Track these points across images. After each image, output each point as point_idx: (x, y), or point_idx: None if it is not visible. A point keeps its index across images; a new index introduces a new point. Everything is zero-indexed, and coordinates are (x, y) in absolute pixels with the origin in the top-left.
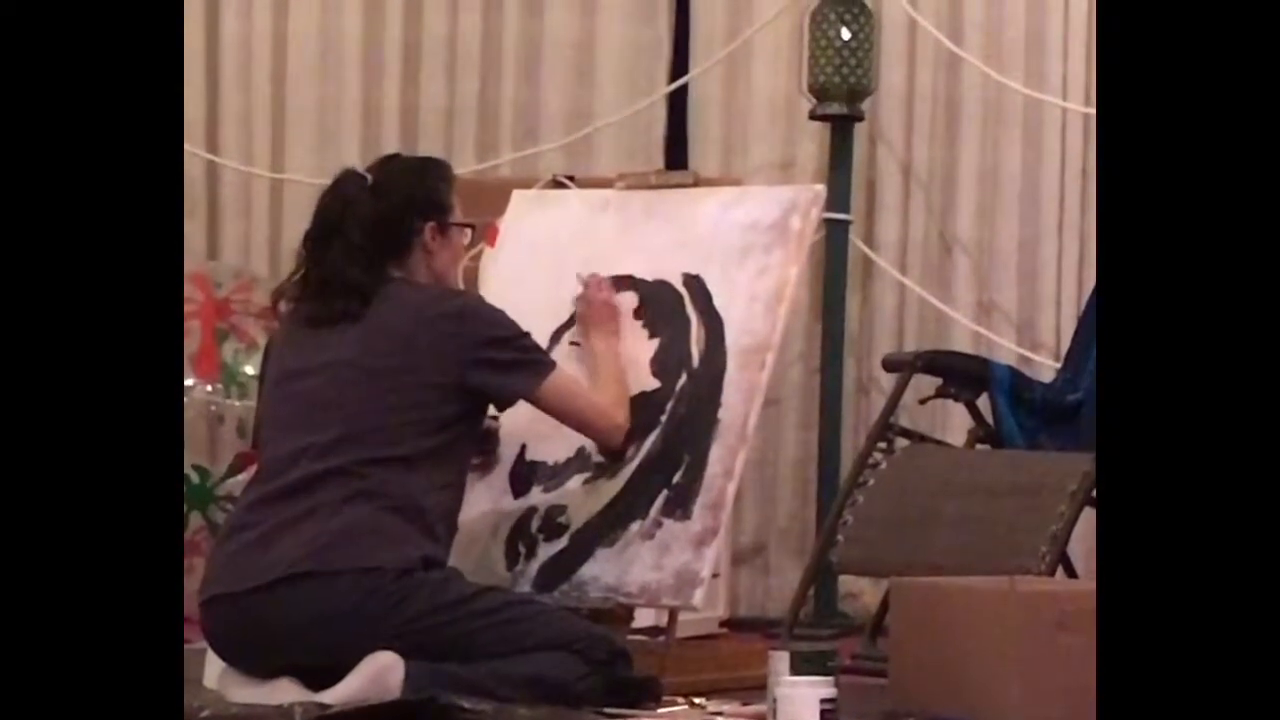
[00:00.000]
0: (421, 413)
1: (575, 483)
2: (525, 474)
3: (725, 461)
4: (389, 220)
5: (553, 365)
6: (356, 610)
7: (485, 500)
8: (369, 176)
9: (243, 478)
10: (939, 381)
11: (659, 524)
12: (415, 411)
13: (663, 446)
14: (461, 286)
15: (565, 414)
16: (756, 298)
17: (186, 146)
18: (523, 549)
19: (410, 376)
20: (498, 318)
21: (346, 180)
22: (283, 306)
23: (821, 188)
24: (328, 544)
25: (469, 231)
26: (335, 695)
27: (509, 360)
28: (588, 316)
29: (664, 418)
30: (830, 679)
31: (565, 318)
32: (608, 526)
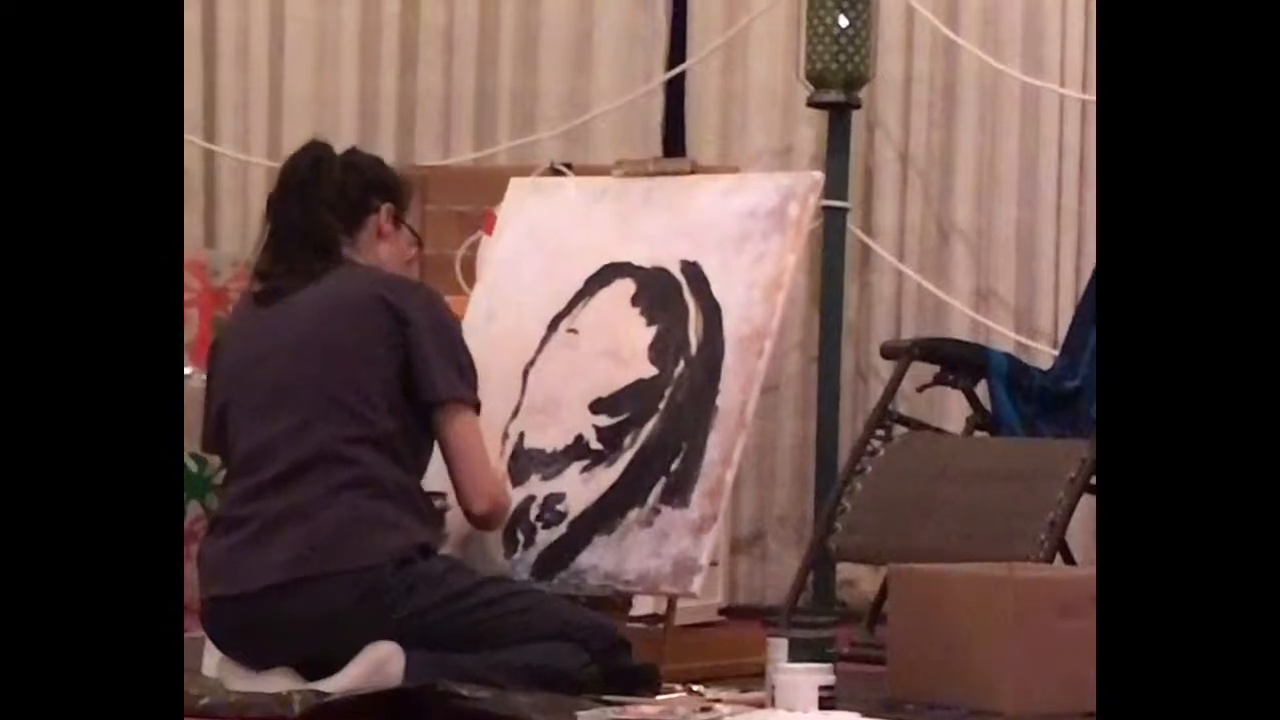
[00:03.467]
0: (385, 388)
1: (573, 470)
2: (523, 462)
3: (723, 449)
4: (353, 189)
5: (477, 402)
6: (357, 609)
7: None
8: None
9: None
10: (937, 369)
11: (657, 511)
12: (379, 385)
13: (661, 434)
14: None
15: (465, 453)
16: (754, 285)
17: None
18: (521, 537)
19: (365, 351)
20: (451, 315)
21: (317, 145)
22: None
23: (819, 175)
24: (322, 544)
25: (415, 248)
26: (335, 684)
27: (450, 359)
28: None
29: (662, 405)
30: (829, 666)
31: (562, 305)
32: (606, 514)
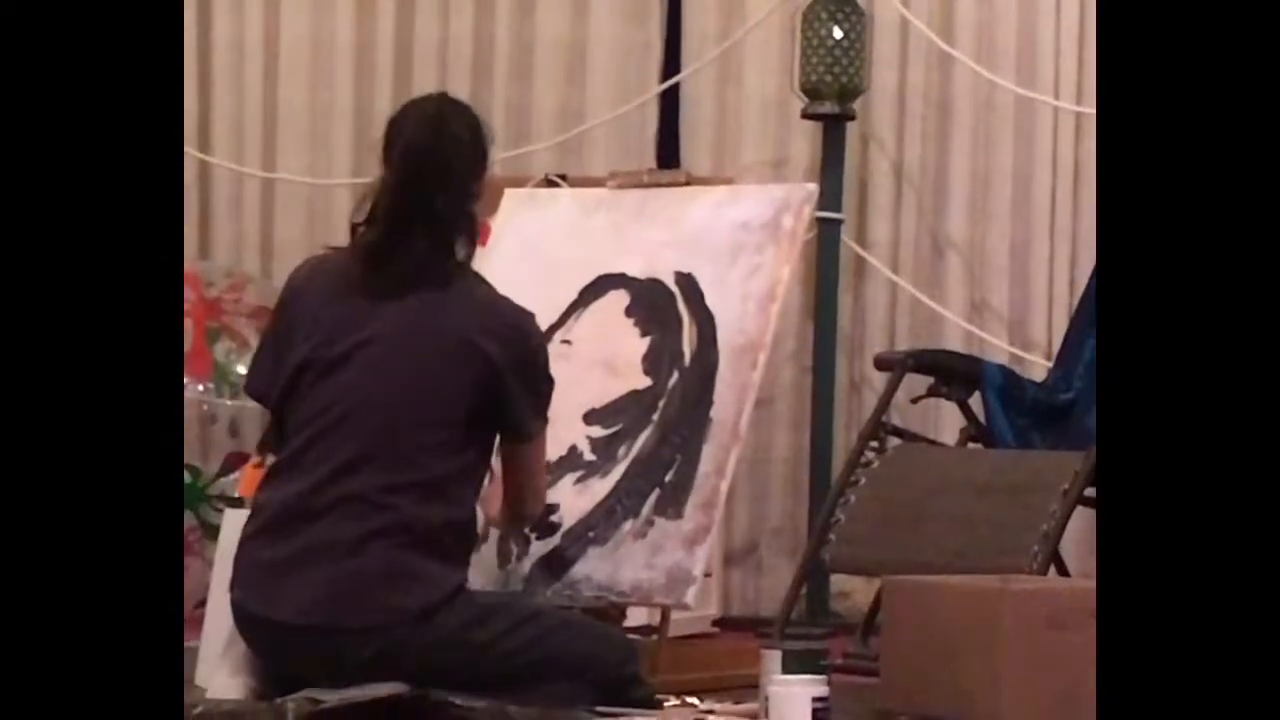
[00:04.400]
0: (451, 432)
1: (567, 481)
2: None
3: (717, 460)
4: (477, 161)
5: (545, 427)
6: (371, 662)
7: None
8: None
9: (235, 476)
10: (931, 380)
11: (651, 523)
12: (446, 430)
13: (655, 445)
14: None
15: (526, 475)
16: (749, 297)
17: None
18: (515, 547)
19: (449, 392)
20: (540, 346)
21: (455, 116)
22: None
23: (813, 186)
24: (341, 594)
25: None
26: (329, 692)
27: (535, 394)
28: None
29: (656, 416)
30: (822, 678)
31: (557, 317)
32: (600, 525)
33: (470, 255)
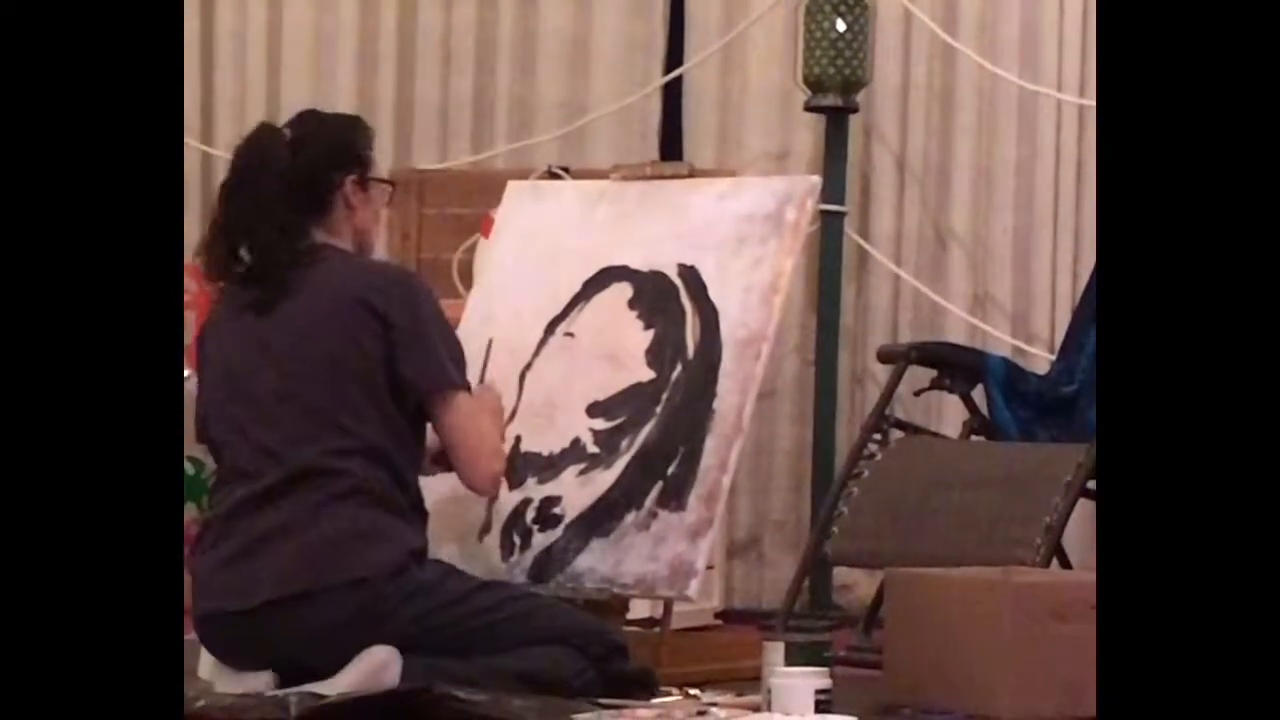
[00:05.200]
0: (371, 397)
1: (570, 474)
2: (520, 465)
3: (720, 453)
4: (307, 173)
5: (466, 384)
6: (353, 622)
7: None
8: (287, 131)
9: None
10: (934, 373)
11: (654, 515)
12: (365, 395)
13: (658, 438)
14: (382, 247)
15: (460, 430)
16: (751, 289)
17: None
18: (517, 540)
19: (351, 362)
20: (431, 300)
21: (262, 133)
22: (212, 288)
23: (816, 179)
24: (313, 558)
25: (389, 189)
26: (331, 687)
27: (434, 348)
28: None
29: (659, 409)
30: (825, 670)
31: (560, 309)
32: (602, 518)
33: (325, 229)
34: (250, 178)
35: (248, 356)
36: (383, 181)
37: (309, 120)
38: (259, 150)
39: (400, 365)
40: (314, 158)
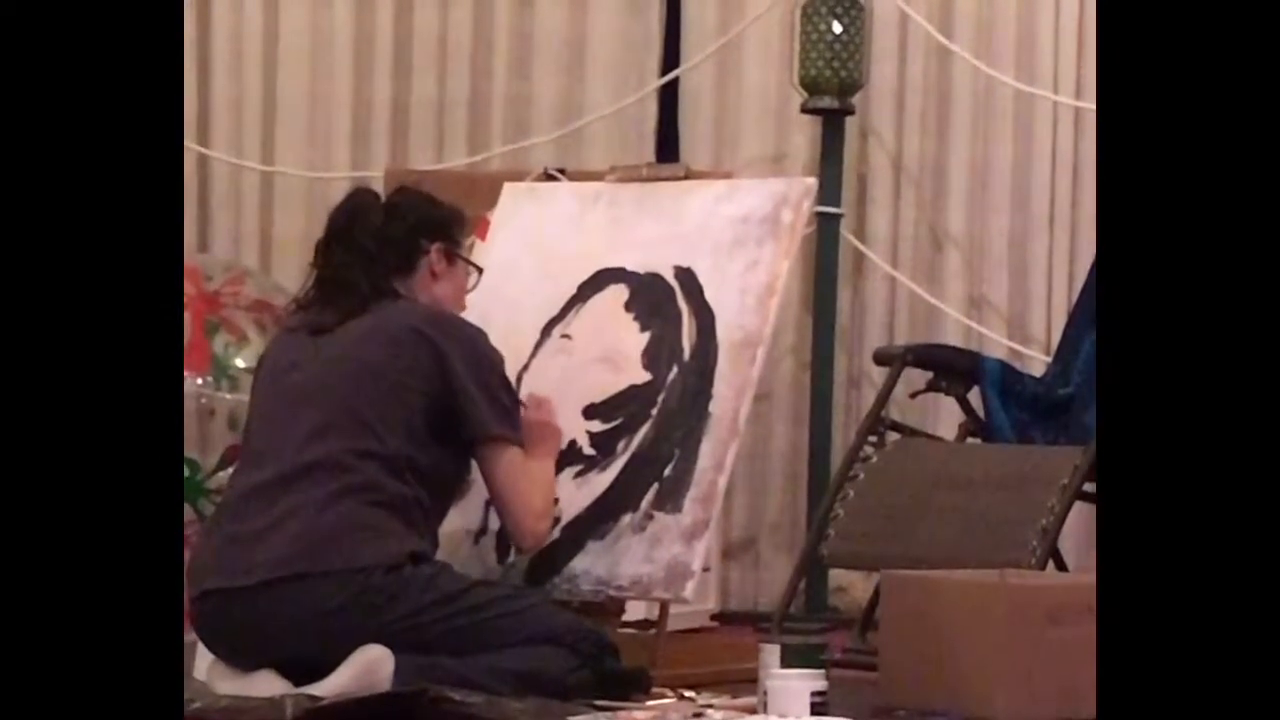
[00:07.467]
0: (406, 415)
1: (566, 476)
2: None
3: (716, 455)
4: (397, 233)
5: (520, 440)
6: (345, 609)
7: (476, 493)
8: (382, 196)
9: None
10: (930, 375)
11: (650, 517)
12: (400, 411)
13: (653, 440)
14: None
15: (509, 487)
16: (748, 291)
17: None
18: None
19: (391, 376)
20: (494, 353)
21: (359, 194)
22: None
23: (813, 181)
24: (314, 543)
25: (475, 275)
26: (325, 688)
27: (491, 396)
28: (529, 436)
29: (654, 411)
30: (820, 672)
31: (556, 311)
32: (599, 520)
33: (407, 287)
34: (342, 233)
35: (295, 359)
36: (471, 264)
37: (405, 191)
38: (352, 208)
39: (456, 399)
40: (406, 220)
